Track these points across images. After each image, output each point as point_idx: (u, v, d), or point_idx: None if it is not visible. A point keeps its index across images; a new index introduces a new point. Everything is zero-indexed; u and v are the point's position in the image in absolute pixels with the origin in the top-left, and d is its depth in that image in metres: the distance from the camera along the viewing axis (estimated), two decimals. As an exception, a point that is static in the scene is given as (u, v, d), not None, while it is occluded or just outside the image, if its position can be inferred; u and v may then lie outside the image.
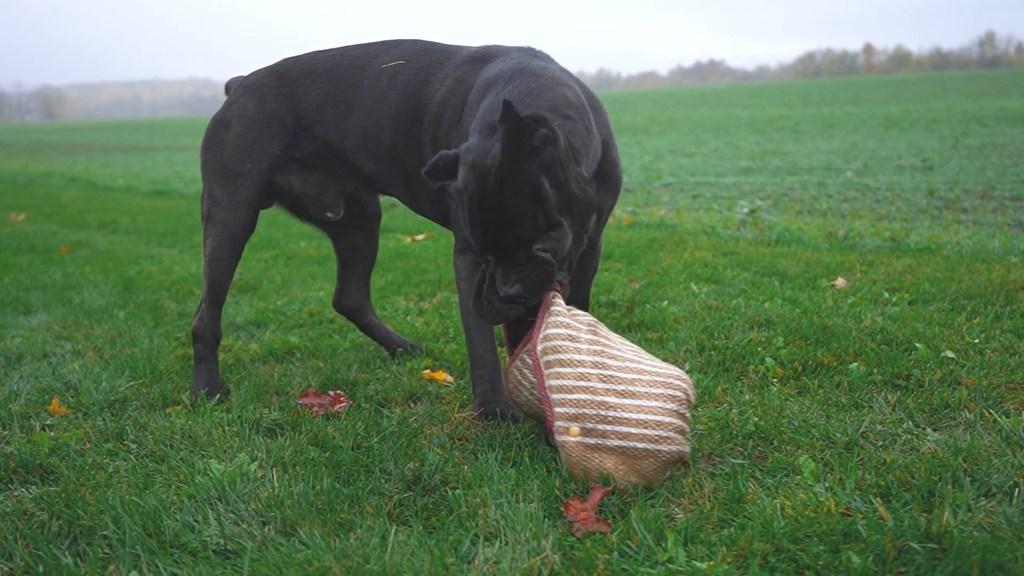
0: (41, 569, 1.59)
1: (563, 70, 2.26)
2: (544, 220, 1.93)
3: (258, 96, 2.57)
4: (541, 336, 1.92)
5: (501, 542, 1.63)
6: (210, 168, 2.60)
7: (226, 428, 2.24)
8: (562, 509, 1.73)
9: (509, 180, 1.90)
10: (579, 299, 2.52)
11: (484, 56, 2.34)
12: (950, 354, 2.60)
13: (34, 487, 1.96)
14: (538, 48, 2.39)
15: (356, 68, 2.50)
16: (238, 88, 2.64)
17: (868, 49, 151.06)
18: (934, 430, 2.09)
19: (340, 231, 2.90)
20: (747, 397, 2.35)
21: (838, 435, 2.04)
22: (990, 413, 2.15)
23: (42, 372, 2.89)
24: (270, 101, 2.56)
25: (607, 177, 2.23)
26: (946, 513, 1.61)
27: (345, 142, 2.51)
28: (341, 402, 2.43)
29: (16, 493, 1.93)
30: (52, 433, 2.27)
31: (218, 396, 2.52)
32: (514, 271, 1.97)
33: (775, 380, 2.49)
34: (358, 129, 2.47)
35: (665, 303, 3.46)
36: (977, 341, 2.74)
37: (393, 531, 1.67)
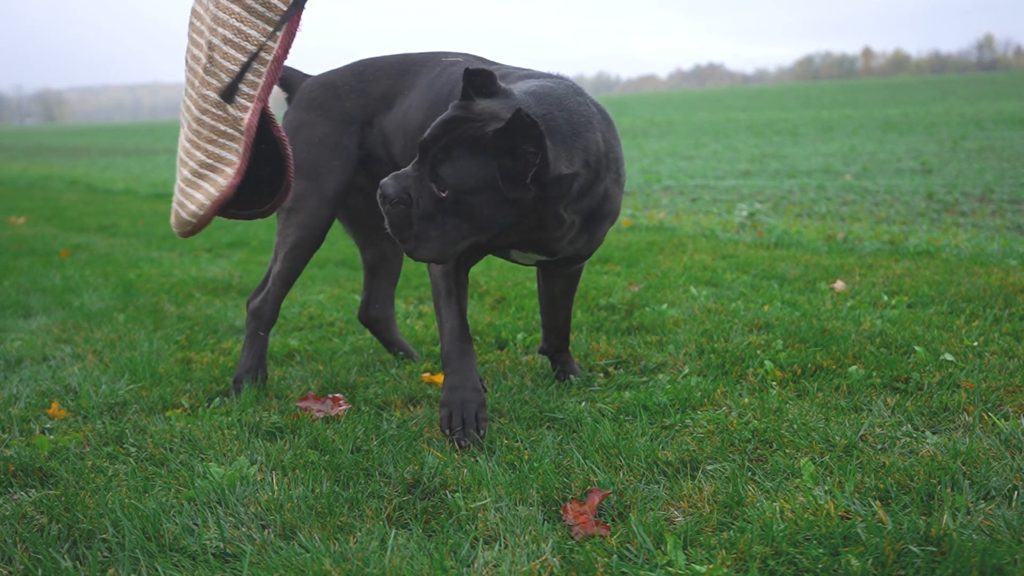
0: (40, 572, 1.59)
1: (598, 111, 2.16)
2: (473, 178, 1.91)
3: (338, 95, 2.61)
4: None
5: (500, 545, 1.63)
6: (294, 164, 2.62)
7: (226, 431, 2.24)
8: (561, 512, 1.73)
9: (493, 138, 1.89)
10: (562, 319, 2.62)
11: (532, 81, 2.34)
12: (949, 357, 2.60)
13: (34, 491, 1.95)
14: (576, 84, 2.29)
15: (422, 63, 2.54)
16: (317, 87, 2.65)
17: (867, 52, 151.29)
18: (933, 433, 2.10)
19: (369, 241, 2.91)
20: (746, 400, 2.35)
21: (837, 438, 2.04)
22: (989, 416, 2.15)
23: (42, 375, 2.89)
24: (350, 100, 2.60)
25: (601, 219, 2.19)
26: (945, 516, 1.61)
27: (391, 125, 2.53)
28: (341, 405, 2.43)
29: (16, 497, 1.93)
30: (52, 436, 2.27)
31: (259, 378, 2.62)
32: (411, 177, 1.97)
33: (774, 383, 2.49)
34: (403, 111, 2.50)
35: (664, 306, 3.46)
36: (976, 344, 2.74)
37: (392, 534, 1.67)
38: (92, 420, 2.40)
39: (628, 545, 1.60)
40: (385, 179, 2.00)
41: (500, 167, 1.91)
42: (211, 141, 2.07)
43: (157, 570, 1.58)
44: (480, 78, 1.98)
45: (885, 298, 3.47)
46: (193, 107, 2.09)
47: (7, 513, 1.82)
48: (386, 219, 2.01)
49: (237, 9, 1.98)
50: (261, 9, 1.99)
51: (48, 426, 2.39)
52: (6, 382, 2.84)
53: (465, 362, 2.22)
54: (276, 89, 2.15)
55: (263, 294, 2.68)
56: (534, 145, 1.89)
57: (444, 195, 1.93)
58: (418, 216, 1.96)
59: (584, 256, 2.35)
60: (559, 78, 2.19)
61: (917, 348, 2.66)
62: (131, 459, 2.10)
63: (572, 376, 2.64)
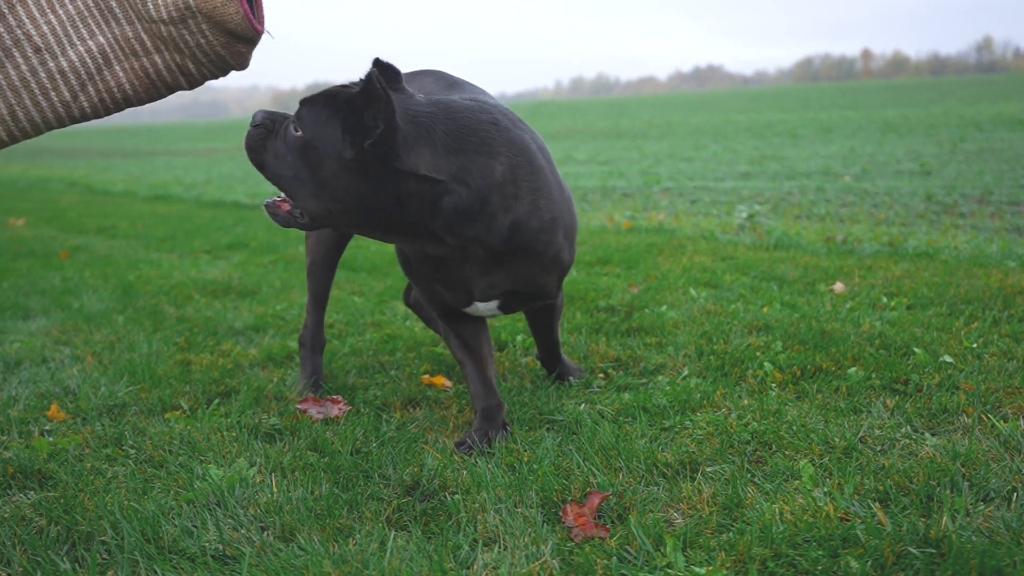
0: (39, 574, 1.59)
1: (512, 145, 2.03)
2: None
3: None
4: None
5: (500, 547, 1.63)
6: None
7: (225, 433, 2.24)
8: (561, 514, 1.73)
9: (349, 98, 1.86)
10: (549, 344, 2.62)
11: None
12: (948, 359, 2.60)
13: (33, 492, 1.95)
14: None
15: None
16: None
17: (866, 54, 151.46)
18: (932, 435, 2.10)
19: None
20: (746, 402, 2.35)
21: (837, 440, 2.04)
22: (988, 417, 2.15)
23: (41, 377, 2.89)
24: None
25: (516, 255, 2.08)
26: (945, 518, 1.61)
27: None
28: (340, 407, 2.43)
29: (15, 498, 1.92)
30: (51, 438, 2.27)
31: (321, 386, 2.66)
32: (285, 115, 1.99)
33: (774, 385, 2.49)
34: None
35: (664, 308, 3.46)
36: (975, 346, 2.74)
37: (392, 536, 1.67)
38: (91, 422, 2.40)
39: (628, 547, 1.60)
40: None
41: (344, 122, 1.85)
42: None
43: (156, 572, 1.58)
44: (388, 72, 1.99)
45: (884, 300, 3.47)
46: None
47: (6, 515, 1.82)
48: (245, 139, 2.02)
49: None
50: None
51: (47, 428, 2.39)
52: (5, 384, 2.84)
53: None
54: None
55: (305, 323, 2.79)
56: (380, 116, 1.81)
57: (298, 134, 1.91)
58: (273, 145, 1.96)
59: (532, 297, 2.23)
60: (492, 106, 2.07)
61: (916, 350, 2.66)
62: (130, 461, 2.10)
63: (571, 378, 2.64)
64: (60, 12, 1.59)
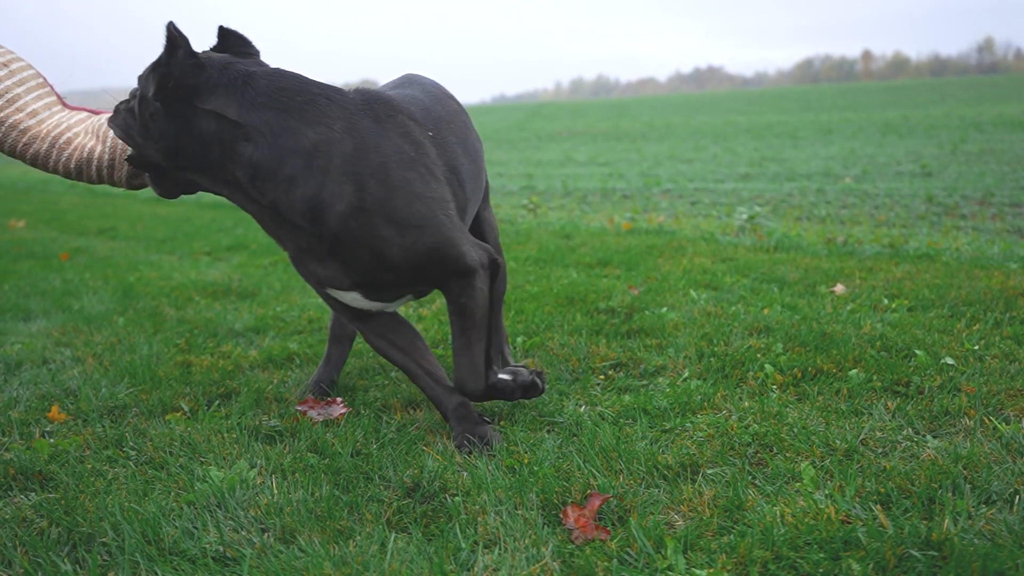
0: (40, 576, 1.59)
1: (350, 130, 2.02)
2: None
3: None
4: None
5: (500, 549, 1.63)
6: None
7: (225, 435, 2.24)
8: (561, 516, 1.73)
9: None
10: (458, 347, 2.21)
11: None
12: (950, 360, 2.60)
13: (33, 494, 1.95)
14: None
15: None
16: None
17: (867, 55, 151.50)
18: (934, 437, 2.09)
19: None
20: (746, 404, 2.35)
21: (838, 442, 2.04)
22: (990, 420, 2.15)
23: (42, 378, 2.89)
24: None
25: (340, 239, 2.02)
26: (946, 520, 1.61)
27: None
28: (340, 409, 2.43)
29: (16, 500, 1.92)
30: (52, 440, 2.27)
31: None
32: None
33: (774, 387, 2.49)
34: None
35: (664, 309, 3.46)
36: (977, 348, 2.74)
37: (392, 538, 1.67)
38: (92, 423, 2.40)
39: (628, 549, 1.60)
40: None
41: (154, 71, 2.00)
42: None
43: (157, 573, 1.58)
44: (231, 37, 2.13)
45: (885, 301, 3.47)
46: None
47: (7, 516, 1.81)
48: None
49: None
50: None
51: (48, 429, 2.38)
52: (6, 385, 2.84)
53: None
54: None
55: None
56: (175, 60, 1.96)
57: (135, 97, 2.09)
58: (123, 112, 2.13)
59: (391, 287, 2.13)
60: (351, 91, 2.14)
61: (918, 352, 2.66)
62: (131, 462, 2.10)
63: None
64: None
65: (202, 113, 1.98)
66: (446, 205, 2.11)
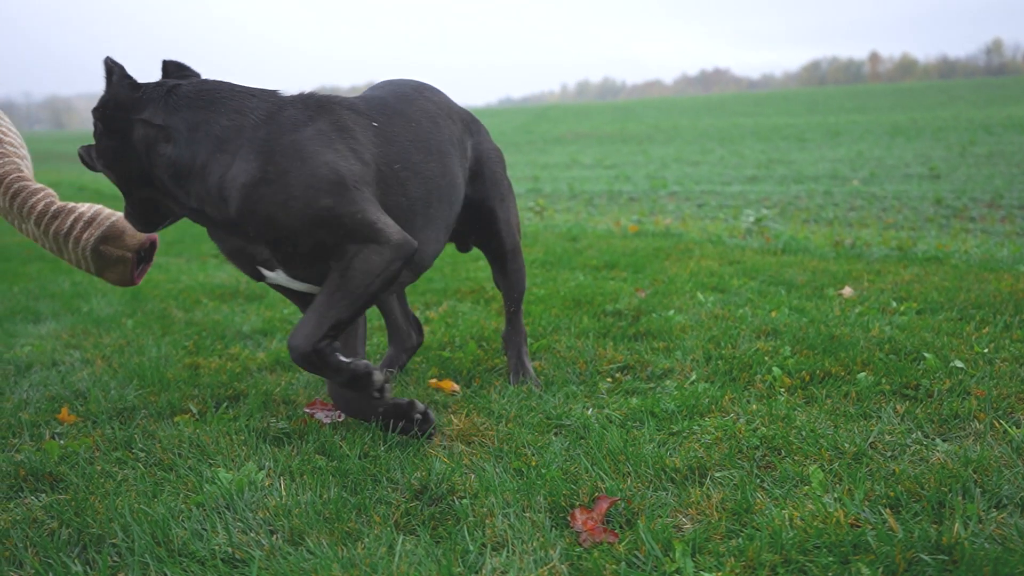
0: (50, 577, 1.60)
1: (266, 127, 2.05)
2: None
3: None
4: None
5: (508, 552, 1.63)
6: None
7: (234, 437, 2.25)
8: (569, 519, 1.73)
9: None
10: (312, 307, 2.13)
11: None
12: (959, 364, 2.59)
13: (44, 495, 1.96)
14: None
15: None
16: None
17: (874, 57, 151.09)
18: (943, 440, 2.09)
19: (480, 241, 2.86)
20: (754, 407, 2.34)
21: (846, 445, 2.03)
22: (1000, 423, 2.14)
23: (51, 380, 2.90)
24: None
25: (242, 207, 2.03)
26: (957, 524, 1.60)
27: None
28: (348, 411, 2.43)
29: (26, 501, 1.93)
30: (62, 441, 2.28)
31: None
32: None
33: (782, 390, 2.49)
34: None
35: (671, 312, 3.45)
36: (986, 351, 2.73)
37: (400, 540, 1.67)
38: (101, 425, 2.41)
39: (636, 552, 1.60)
40: None
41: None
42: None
43: (166, 575, 1.58)
44: (171, 65, 2.26)
45: (894, 304, 3.46)
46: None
47: (18, 517, 1.82)
48: None
49: None
50: None
51: (58, 431, 2.40)
52: (16, 387, 2.85)
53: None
54: None
55: None
56: (108, 84, 2.13)
57: None
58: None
59: (309, 261, 2.10)
60: (309, 92, 2.18)
61: (927, 355, 2.65)
62: (140, 464, 2.11)
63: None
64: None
65: (134, 124, 2.10)
66: (356, 179, 2.07)
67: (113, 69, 2.13)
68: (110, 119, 2.11)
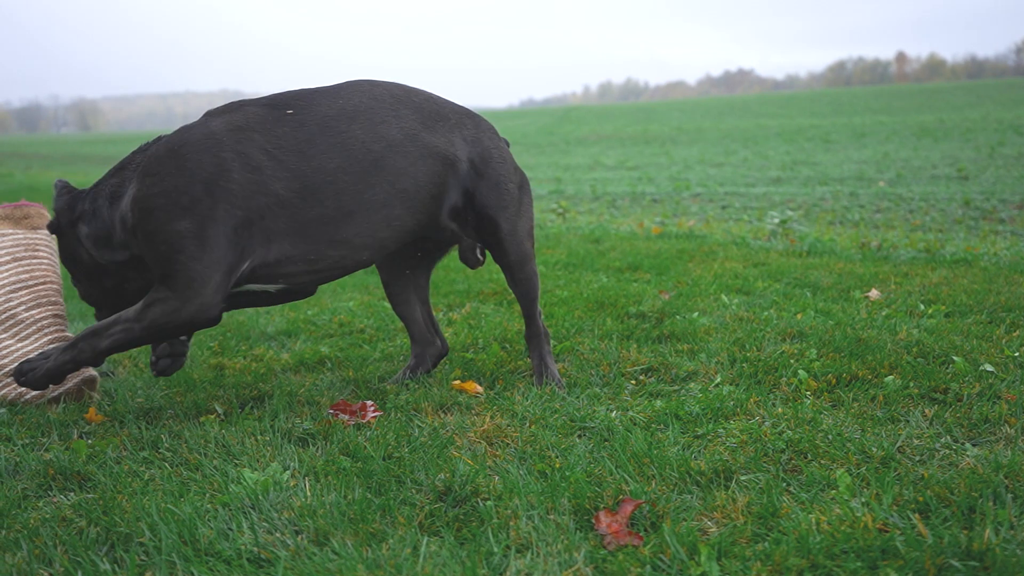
0: (80, 575, 1.62)
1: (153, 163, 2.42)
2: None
3: None
4: None
5: (533, 554, 1.62)
6: None
7: (259, 437, 2.26)
8: (593, 521, 1.72)
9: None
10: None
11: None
12: (989, 367, 2.55)
13: (72, 494, 1.99)
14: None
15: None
16: None
17: (900, 57, 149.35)
18: (973, 445, 2.05)
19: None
20: (780, 410, 2.32)
21: (874, 449, 2.01)
22: (1031, 428, 2.10)
23: (80, 380, 2.94)
24: None
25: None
26: (987, 530, 1.57)
27: None
28: (372, 412, 2.44)
29: (55, 499, 1.96)
30: (90, 440, 2.31)
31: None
32: None
33: (808, 393, 2.46)
34: None
35: (695, 314, 3.43)
36: (1017, 354, 2.68)
37: (425, 541, 1.67)
38: (128, 425, 2.44)
39: (661, 555, 1.59)
40: None
41: None
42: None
43: (193, 574, 1.60)
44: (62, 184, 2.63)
45: (922, 307, 3.42)
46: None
47: (47, 516, 1.85)
48: None
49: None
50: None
51: (86, 430, 2.43)
52: (45, 387, 2.89)
53: None
54: None
55: None
56: (54, 198, 2.59)
57: None
58: None
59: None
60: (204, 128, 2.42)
61: (955, 358, 2.61)
62: (166, 464, 2.13)
63: None
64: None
65: (70, 231, 2.53)
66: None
67: (61, 191, 2.54)
68: (58, 230, 2.55)
